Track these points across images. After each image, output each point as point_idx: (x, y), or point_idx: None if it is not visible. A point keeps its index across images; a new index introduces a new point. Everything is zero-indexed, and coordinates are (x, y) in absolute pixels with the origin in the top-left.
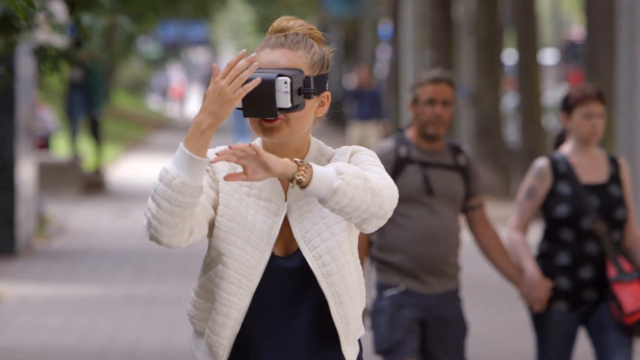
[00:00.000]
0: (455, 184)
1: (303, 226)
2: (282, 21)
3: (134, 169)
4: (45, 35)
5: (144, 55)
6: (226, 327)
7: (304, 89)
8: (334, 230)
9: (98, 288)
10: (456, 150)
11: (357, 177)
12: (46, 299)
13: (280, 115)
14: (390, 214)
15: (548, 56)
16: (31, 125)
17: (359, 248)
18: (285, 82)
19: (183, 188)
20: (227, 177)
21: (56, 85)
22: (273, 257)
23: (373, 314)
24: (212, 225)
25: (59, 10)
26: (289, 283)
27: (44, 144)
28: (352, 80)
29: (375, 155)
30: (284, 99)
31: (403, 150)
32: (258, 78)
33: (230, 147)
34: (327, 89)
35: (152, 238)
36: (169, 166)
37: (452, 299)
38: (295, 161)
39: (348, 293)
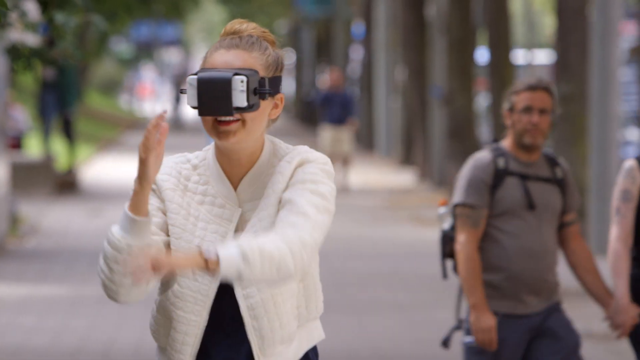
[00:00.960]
0: (554, 197)
1: (245, 232)
2: (234, 24)
3: (107, 168)
4: (18, 33)
5: (117, 55)
6: (187, 344)
7: (260, 89)
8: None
9: (71, 288)
10: (553, 161)
11: (263, 259)
12: (20, 299)
13: (236, 116)
14: (305, 269)
15: (520, 56)
16: (4, 125)
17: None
18: (242, 81)
19: (130, 249)
20: (135, 279)
21: (29, 85)
22: None
23: (470, 352)
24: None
25: (31, 9)
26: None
27: (16, 143)
28: (323, 82)
29: (326, 168)
30: (240, 98)
31: (501, 162)
32: (162, 111)
33: (141, 267)
34: (280, 91)
35: (110, 298)
36: (115, 228)
37: (555, 311)
38: (202, 254)
39: (264, 307)
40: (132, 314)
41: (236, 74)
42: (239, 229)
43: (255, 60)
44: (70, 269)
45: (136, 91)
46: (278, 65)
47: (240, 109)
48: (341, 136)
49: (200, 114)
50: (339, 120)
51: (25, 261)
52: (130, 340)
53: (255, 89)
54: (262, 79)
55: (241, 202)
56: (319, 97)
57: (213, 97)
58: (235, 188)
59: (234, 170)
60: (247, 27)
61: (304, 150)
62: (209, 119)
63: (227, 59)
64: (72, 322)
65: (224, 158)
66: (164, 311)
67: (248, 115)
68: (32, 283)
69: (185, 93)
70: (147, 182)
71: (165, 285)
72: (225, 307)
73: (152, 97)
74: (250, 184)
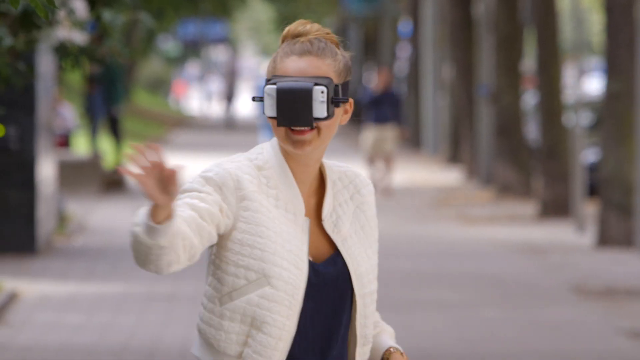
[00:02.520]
0: None
1: (341, 235)
2: (298, 25)
3: None
4: (65, 32)
5: (164, 54)
6: (277, 349)
7: (335, 98)
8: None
9: (118, 286)
10: None
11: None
12: (66, 297)
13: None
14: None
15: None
16: (51, 123)
17: None
18: (322, 92)
19: (157, 246)
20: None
21: (76, 83)
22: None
23: None
24: (226, 245)
25: (79, 7)
26: (326, 293)
27: (64, 141)
28: (372, 83)
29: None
30: (320, 109)
31: None
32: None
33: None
34: (349, 95)
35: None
36: (139, 230)
37: None
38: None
39: (372, 298)
40: (178, 312)
41: (316, 84)
42: (324, 243)
43: (329, 67)
44: (117, 267)
45: (173, 89)
46: (348, 70)
47: (319, 119)
48: (385, 135)
49: (279, 124)
50: (384, 119)
51: (72, 259)
52: (176, 339)
53: (332, 98)
54: (337, 86)
55: (308, 211)
56: (367, 97)
57: (293, 108)
58: (302, 193)
59: (303, 175)
60: (312, 28)
61: (364, 175)
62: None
63: (300, 66)
64: (119, 320)
65: (292, 162)
66: (243, 317)
67: (323, 124)
68: (78, 281)
69: (257, 101)
70: (156, 201)
71: (245, 288)
72: (311, 309)
73: (187, 95)
74: (330, 199)
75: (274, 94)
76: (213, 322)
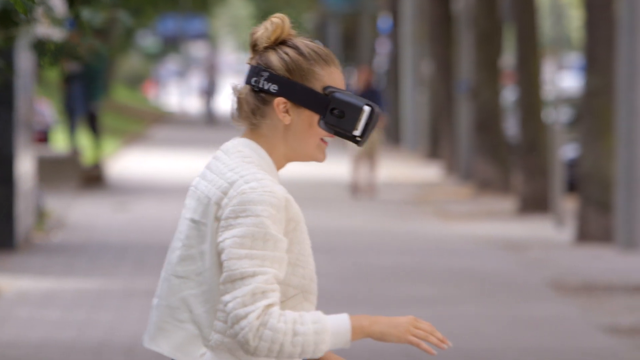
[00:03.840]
0: None
1: None
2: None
3: (133, 162)
4: (44, 29)
5: (143, 50)
6: None
7: None
8: None
9: (97, 282)
10: None
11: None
12: (45, 293)
13: None
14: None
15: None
16: (30, 119)
17: None
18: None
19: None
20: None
21: (55, 79)
22: None
23: None
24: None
25: (58, 5)
26: None
27: (43, 137)
28: (353, 81)
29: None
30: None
31: None
32: None
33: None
34: None
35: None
36: (325, 346)
37: None
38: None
39: None
40: None
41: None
42: None
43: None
44: (96, 263)
45: (143, 88)
46: None
47: None
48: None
49: (362, 144)
50: None
51: (51, 255)
52: None
53: None
54: None
55: None
56: None
57: (372, 127)
58: None
59: None
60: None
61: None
62: (319, 136)
63: (342, 79)
64: (98, 316)
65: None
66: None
67: None
68: (57, 277)
69: (337, 115)
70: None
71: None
72: None
73: (157, 94)
74: None
75: (367, 114)
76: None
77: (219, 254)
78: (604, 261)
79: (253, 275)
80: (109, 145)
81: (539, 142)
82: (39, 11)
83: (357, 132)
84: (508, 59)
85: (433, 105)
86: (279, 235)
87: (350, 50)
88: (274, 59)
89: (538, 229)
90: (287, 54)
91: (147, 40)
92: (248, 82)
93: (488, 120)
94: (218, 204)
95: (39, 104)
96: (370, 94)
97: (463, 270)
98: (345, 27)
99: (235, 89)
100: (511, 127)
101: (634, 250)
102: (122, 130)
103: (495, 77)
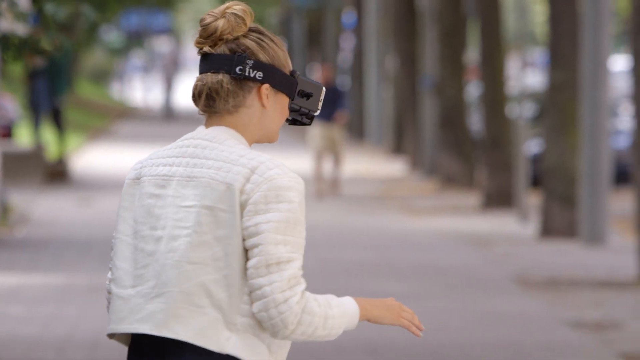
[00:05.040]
0: None
1: None
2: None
3: (97, 158)
4: (8, 23)
5: (107, 44)
6: None
7: None
8: None
9: (61, 277)
10: None
11: None
12: (9, 288)
13: None
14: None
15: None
16: None
17: None
18: None
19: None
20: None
21: (19, 74)
22: None
23: None
24: None
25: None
26: None
27: (6, 132)
28: (315, 78)
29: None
30: None
31: None
32: None
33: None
34: None
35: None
36: (340, 330)
37: None
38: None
39: None
40: None
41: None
42: None
43: None
44: (61, 258)
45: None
46: None
47: None
48: (332, 133)
49: (314, 118)
50: (329, 116)
51: (15, 250)
52: None
53: None
54: None
55: None
56: None
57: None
58: None
59: None
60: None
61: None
62: (285, 118)
63: None
64: (62, 311)
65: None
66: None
67: None
68: (22, 272)
69: (304, 96)
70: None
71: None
72: None
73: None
74: None
75: (323, 92)
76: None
77: (244, 238)
78: (568, 256)
79: (288, 260)
80: (73, 140)
81: (503, 137)
82: (2, 6)
83: (317, 112)
84: (472, 54)
85: (397, 100)
86: (304, 221)
87: (314, 45)
88: (254, 45)
89: (502, 224)
90: (262, 40)
91: (111, 35)
92: (227, 70)
93: (452, 116)
94: (241, 190)
95: (3, 99)
96: (331, 92)
97: (428, 266)
98: (310, 23)
99: (208, 80)
100: (475, 122)
101: (598, 245)
102: (86, 125)
103: (459, 73)
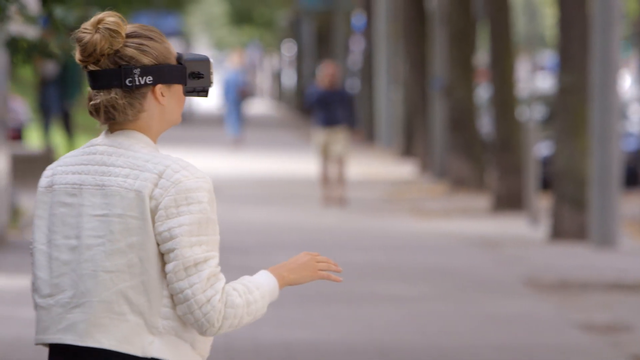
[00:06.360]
0: None
1: None
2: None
3: None
4: (17, 27)
5: None
6: None
7: None
8: None
9: None
10: None
11: None
12: (19, 291)
13: None
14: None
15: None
16: (4, 117)
17: None
18: None
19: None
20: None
21: (29, 77)
22: None
23: None
24: None
25: (31, 2)
26: None
27: (17, 135)
28: (317, 80)
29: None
30: None
31: None
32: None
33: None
34: None
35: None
36: (263, 307)
37: None
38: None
39: None
40: None
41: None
42: None
43: None
44: None
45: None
46: None
47: None
48: (336, 138)
49: (206, 94)
50: (334, 121)
51: (25, 253)
52: None
53: None
54: None
55: None
56: (311, 97)
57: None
58: None
59: None
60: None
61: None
62: (183, 102)
63: None
64: None
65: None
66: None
67: None
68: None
69: (196, 77)
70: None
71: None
72: None
73: None
74: None
75: (212, 63)
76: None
77: (159, 243)
78: (578, 258)
79: (205, 260)
80: (82, 143)
81: (513, 140)
82: (12, 9)
83: (212, 85)
84: (482, 56)
85: (407, 103)
86: (215, 218)
87: (324, 48)
88: (135, 53)
89: (512, 227)
90: (142, 44)
91: None
92: (117, 85)
93: (462, 118)
94: (150, 196)
95: (13, 102)
96: (337, 95)
97: (438, 268)
98: (320, 25)
99: (102, 97)
100: (485, 124)
101: (608, 248)
102: (95, 128)
103: (469, 75)
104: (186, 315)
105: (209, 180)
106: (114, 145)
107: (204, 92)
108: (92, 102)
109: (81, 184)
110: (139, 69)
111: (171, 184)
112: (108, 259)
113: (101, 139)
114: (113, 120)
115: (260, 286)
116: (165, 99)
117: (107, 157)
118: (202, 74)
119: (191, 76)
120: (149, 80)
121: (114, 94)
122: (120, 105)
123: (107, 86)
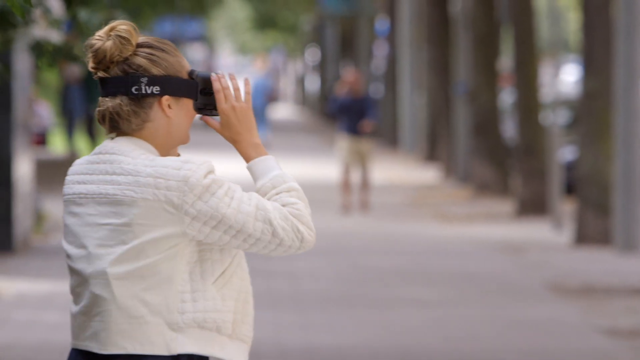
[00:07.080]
0: None
1: None
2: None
3: None
4: (41, 31)
5: None
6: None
7: None
8: None
9: None
10: None
11: None
12: (43, 296)
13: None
14: None
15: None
16: (28, 122)
17: None
18: None
19: None
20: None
21: (53, 81)
22: None
23: None
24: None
25: (55, 6)
26: None
27: (41, 140)
28: (340, 86)
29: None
30: None
31: None
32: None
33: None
34: None
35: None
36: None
37: None
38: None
39: None
40: None
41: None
42: None
43: None
44: None
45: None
46: None
47: None
48: (361, 146)
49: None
50: (358, 129)
51: (49, 257)
52: None
53: None
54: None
55: None
56: (334, 104)
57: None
58: None
59: None
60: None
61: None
62: (192, 119)
63: None
64: None
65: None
66: (238, 296)
67: None
68: (55, 279)
69: (207, 93)
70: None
71: (229, 270)
72: None
73: None
74: None
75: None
76: (217, 306)
77: (210, 242)
78: (602, 263)
79: (257, 208)
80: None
81: (536, 144)
82: (36, 13)
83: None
84: (506, 61)
85: (431, 107)
86: (233, 184)
87: (347, 53)
88: (145, 62)
89: (536, 232)
90: (153, 54)
91: None
92: (124, 92)
93: (486, 123)
94: (157, 200)
95: (38, 106)
96: (360, 103)
97: (461, 273)
98: (343, 30)
99: (108, 104)
100: (509, 129)
101: (632, 253)
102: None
103: (493, 80)
104: (287, 247)
105: (210, 163)
106: (116, 153)
107: (216, 111)
108: (99, 109)
109: (87, 194)
110: (146, 78)
111: (179, 185)
112: (118, 266)
113: (104, 147)
114: (118, 130)
115: (286, 178)
116: (172, 112)
117: (109, 166)
118: (213, 91)
119: (203, 92)
120: (156, 91)
121: (119, 101)
122: (124, 113)
123: (114, 93)
